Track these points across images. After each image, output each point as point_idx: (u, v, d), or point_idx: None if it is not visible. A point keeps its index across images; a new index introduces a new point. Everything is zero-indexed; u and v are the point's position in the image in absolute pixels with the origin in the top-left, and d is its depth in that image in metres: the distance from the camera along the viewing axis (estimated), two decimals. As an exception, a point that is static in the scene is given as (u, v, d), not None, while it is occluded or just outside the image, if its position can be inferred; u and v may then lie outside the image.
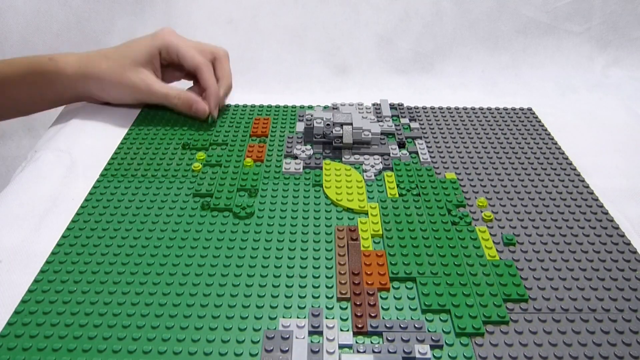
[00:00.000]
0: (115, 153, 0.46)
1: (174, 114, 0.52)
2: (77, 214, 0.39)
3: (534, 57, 0.66)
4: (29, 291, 0.32)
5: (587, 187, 0.43)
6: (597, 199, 0.41)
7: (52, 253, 0.35)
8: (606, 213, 0.40)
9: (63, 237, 0.37)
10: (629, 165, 0.47)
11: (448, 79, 0.65)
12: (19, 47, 0.65)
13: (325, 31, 0.65)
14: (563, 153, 0.47)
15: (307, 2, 0.65)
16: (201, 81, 0.51)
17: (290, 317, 0.31)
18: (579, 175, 0.44)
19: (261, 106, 0.56)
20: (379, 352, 0.28)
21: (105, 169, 0.44)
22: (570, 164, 0.46)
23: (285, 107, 0.55)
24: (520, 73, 0.65)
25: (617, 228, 0.38)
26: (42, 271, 0.34)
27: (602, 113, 0.56)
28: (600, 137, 0.51)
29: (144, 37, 0.51)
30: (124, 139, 0.49)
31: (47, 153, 0.47)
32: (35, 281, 0.33)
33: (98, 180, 0.43)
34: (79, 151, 0.47)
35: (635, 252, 0.36)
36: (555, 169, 0.45)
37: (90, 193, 0.41)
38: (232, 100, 0.57)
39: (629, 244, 0.37)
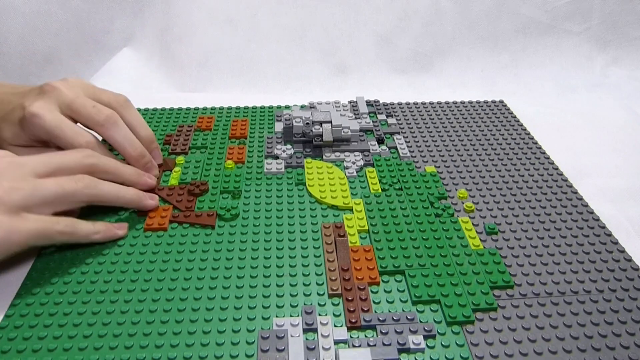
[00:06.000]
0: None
1: (154, 117, 0.52)
2: None
3: (534, 56, 0.67)
4: (18, 294, 0.32)
5: (562, 174, 0.44)
6: (571, 186, 0.43)
7: (38, 256, 0.35)
8: (581, 199, 0.41)
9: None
10: (628, 164, 0.47)
11: (447, 78, 0.65)
12: (18, 48, 0.64)
13: (324, 31, 0.65)
14: (536, 143, 0.49)
15: (307, 1, 0.65)
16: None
17: (284, 316, 0.31)
18: (552, 163, 0.46)
19: (238, 108, 0.55)
20: (374, 345, 0.29)
21: None
22: (544, 153, 0.47)
23: (262, 107, 0.55)
24: (520, 73, 0.66)
25: (592, 212, 0.40)
26: (29, 274, 0.34)
27: (601, 113, 0.56)
28: (600, 137, 0.52)
29: (13, 118, 0.39)
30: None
31: None
32: (24, 284, 0.33)
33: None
34: None
35: (610, 234, 0.37)
36: (529, 159, 0.46)
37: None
38: (226, 101, 0.57)
39: (604, 227, 0.38)
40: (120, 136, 0.40)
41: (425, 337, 0.29)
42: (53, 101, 0.38)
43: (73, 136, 0.38)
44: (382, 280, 0.33)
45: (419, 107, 0.56)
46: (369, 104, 0.55)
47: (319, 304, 0.32)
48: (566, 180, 0.43)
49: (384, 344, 0.29)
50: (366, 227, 0.38)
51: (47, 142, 0.40)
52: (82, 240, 0.35)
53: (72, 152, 0.36)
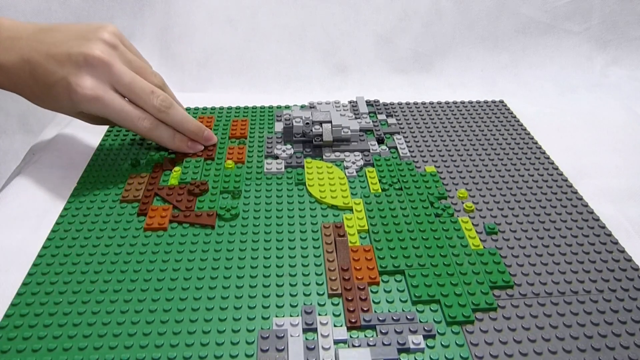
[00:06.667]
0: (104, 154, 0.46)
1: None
2: (61, 215, 0.39)
3: (534, 56, 0.67)
4: (18, 294, 0.32)
5: (561, 174, 0.44)
6: (571, 186, 0.43)
7: (39, 256, 0.35)
8: (581, 199, 0.41)
9: (49, 239, 0.36)
10: (628, 164, 0.47)
11: (447, 78, 0.65)
12: None
13: (324, 31, 0.65)
14: (536, 143, 0.49)
15: (307, 1, 0.65)
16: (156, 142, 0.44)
17: (284, 316, 0.31)
18: (552, 163, 0.46)
19: (238, 108, 0.55)
20: (374, 345, 0.29)
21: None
22: (544, 153, 0.47)
23: (262, 107, 0.55)
24: (520, 73, 0.66)
25: (592, 212, 0.40)
26: (29, 274, 0.34)
27: (601, 113, 0.56)
28: (600, 137, 0.52)
29: (60, 92, 0.39)
30: (105, 138, 0.48)
31: (46, 154, 0.46)
32: (24, 284, 0.33)
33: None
34: (77, 153, 0.47)
35: (610, 234, 0.37)
36: (529, 159, 0.46)
37: (83, 195, 0.41)
38: (226, 101, 0.57)
39: (604, 227, 0.38)
40: (179, 116, 0.43)
41: (425, 337, 0.29)
42: (106, 79, 0.38)
43: (137, 122, 0.40)
44: (382, 280, 0.33)
45: (419, 107, 0.56)
46: (369, 104, 0.55)
47: (319, 304, 0.32)
48: (566, 180, 0.43)
49: (383, 344, 0.29)
50: (366, 227, 0.38)
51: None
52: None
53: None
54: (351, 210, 0.40)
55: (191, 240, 0.36)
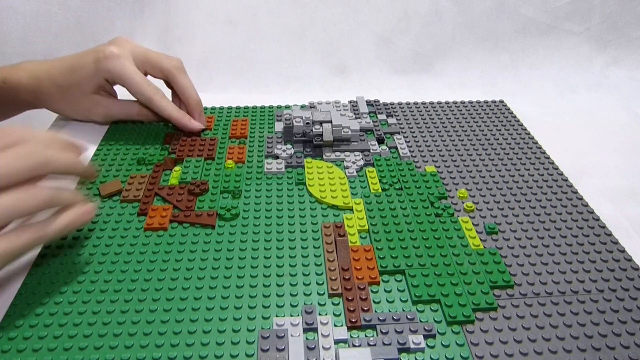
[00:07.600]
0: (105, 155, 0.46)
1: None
2: None
3: (533, 57, 0.67)
4: (18, 294, 0.32)
5: (562, 174, 0.44)
6: (571, 186, 0.43)
7: (39, 256, 0.35)
8: (581, 198, 0.41)
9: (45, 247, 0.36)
10: (628, 164, 0.47)
11: (447, 78, 0.65)
12: (18, 48, 0.65)
13: (324, 31, 0.66)
14: (536, 143, 0.49)
15: (307, 1, 0.65)
16: (159, 112, 0.47)
17: (284, 316, 0.31)
18: (552, 163, 0.46)
19: (238, 107, 0.55)
20: (375, 344, 0.29)
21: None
22: (544, 153, 0.47)
23: (262, 107, 0.55)
24: (520, 73, 0.66)
25: (592, 212, 0.40)
26: (29, 274, 0.34)
27: (601, 113, 0.56)
28: (600, 137, 0.52)
29: (88, 61, 0.46)
30: (100, 146, 0.48)
31: None
32: (24, 284, 0.33)
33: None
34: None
35: (610, 234, 0.37)
36: (529, 159, 0.46)
37: (83, 194, 0.41)
38: (226, 101, 0.57)
39: (604, 227, 0.38)
40: (188, 80, 0.48)
41: (426, 337, 0.29)
42: (128, 49, 0.46)
43: (147, 86, 0.46)
44: (382, 280, 0.33)
45: (419, 107, 0.56)
46: (369, 103, 0.55)
47: (319, 304, 0.32)
48: (566, 180, 0.43)
49: (384, 344, 0.29)
50: (366, 227, 0.38)
51: (111, 91, 0.49)
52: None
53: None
54: (351, 210, 0.40)
55: (191, 240, 0.37)
